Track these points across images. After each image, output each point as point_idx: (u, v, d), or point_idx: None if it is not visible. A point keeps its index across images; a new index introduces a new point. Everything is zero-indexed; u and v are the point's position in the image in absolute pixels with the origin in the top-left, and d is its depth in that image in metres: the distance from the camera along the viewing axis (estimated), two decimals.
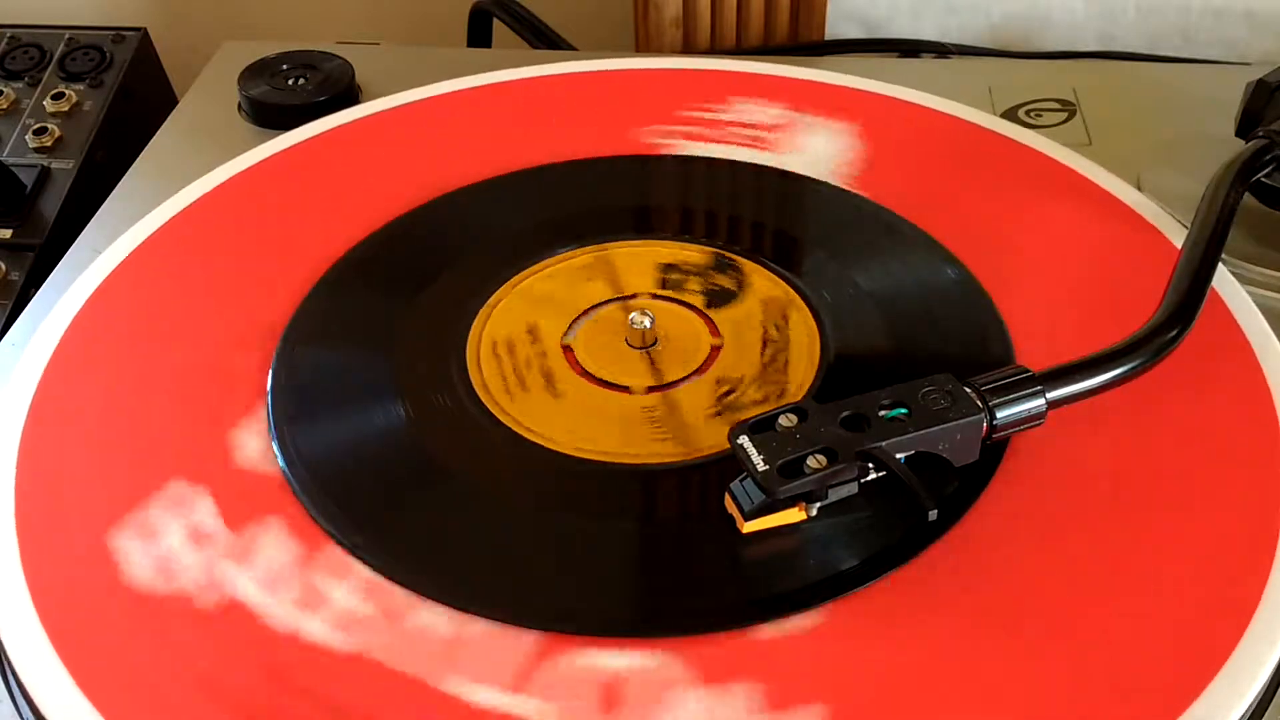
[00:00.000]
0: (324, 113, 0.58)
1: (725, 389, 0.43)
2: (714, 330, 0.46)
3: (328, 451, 0.41)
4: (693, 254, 0.49)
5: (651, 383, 0.44)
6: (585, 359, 0.45)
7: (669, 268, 0.48)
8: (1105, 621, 0.35)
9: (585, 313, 0.47)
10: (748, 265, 0.48)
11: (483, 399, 0.43)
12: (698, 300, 0.47)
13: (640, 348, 0.45)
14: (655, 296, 0.47)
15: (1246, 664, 0.34)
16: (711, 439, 0.41)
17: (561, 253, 0.49)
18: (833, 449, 0.36)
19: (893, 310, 0.46)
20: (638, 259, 0.49)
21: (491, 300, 0.47)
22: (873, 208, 0.51)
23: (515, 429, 0.42)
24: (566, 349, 0.45)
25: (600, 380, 0.44)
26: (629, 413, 0.43)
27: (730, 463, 0.37)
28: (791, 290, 0.47)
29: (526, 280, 0.48)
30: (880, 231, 0.50)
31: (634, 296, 0.47)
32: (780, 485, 0.36)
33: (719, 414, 0.42)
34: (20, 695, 0.36)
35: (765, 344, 0.45)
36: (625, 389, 0.44)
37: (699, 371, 0.44)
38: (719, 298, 0.47)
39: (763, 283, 0.48)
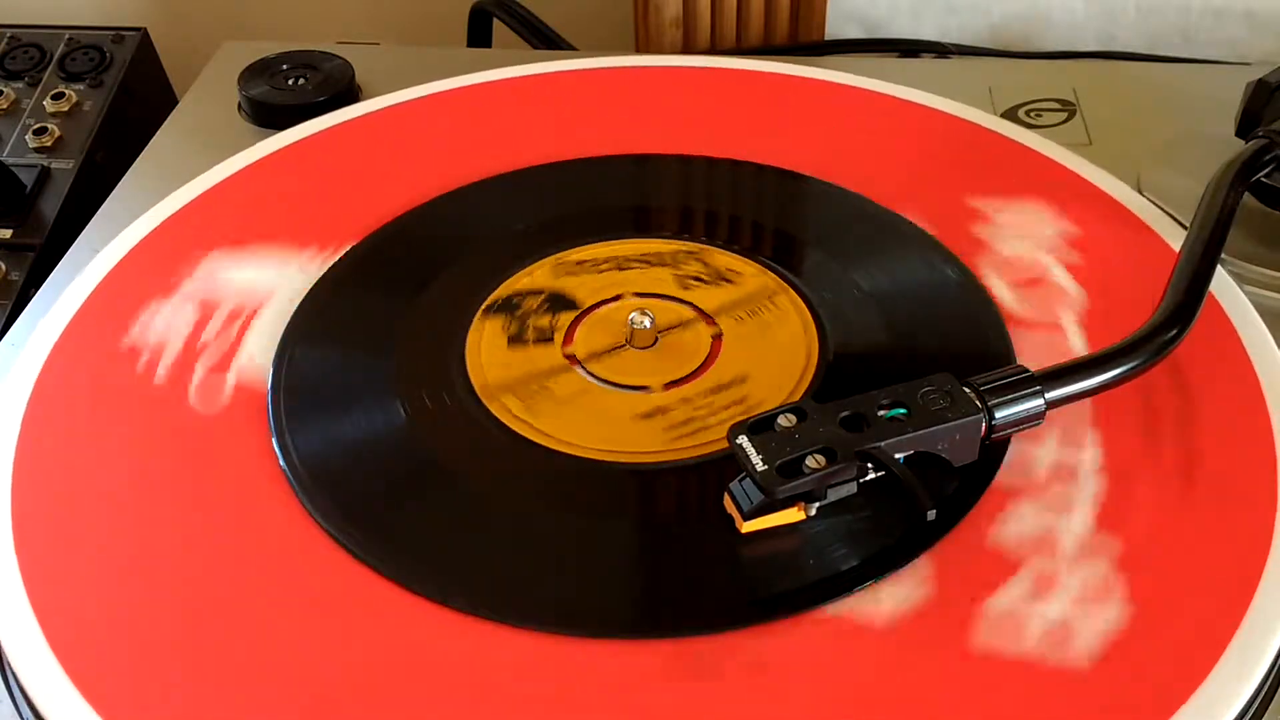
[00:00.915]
0: (324, 112, 0.58)
1: (732, 378, 0.43)
2: (710, 322, 0.46)
3: (328, 451, 0.41)
4: (664, 247, 0.49)
5: (664, 380, 0.44)
6: (593, 365, 0.44)
7: (652, 263, 0.48)
8: (1103, 622, 0.35)
9: (583, 315, 0.46)
10: (727, 257, 0.49)
11: (486, 402, 0.43)
12: (689, 296, 0.47)
13: (642, 348, 0.45)
14: (645, 295, 0.47)
15: (1244, 662, 0.34)
16: (710, 436, 0.41)
17: (560, 251, 0.49)
18: (832, 449, 0.36)
19: (893, 310, 0.46)
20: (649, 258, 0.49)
21: (502, 288, 0.47)
22: (873, 208, 0.51)
23: (515, 428, 0.42)
24: (567, 344, 0.45)
25: (610, 382, 0.44)
26: (643, 412, 0.42)
27: (730, 462, 0.37)
28: (779, 278, 0.47)
29: (538, 271, 0.48)
30: (880, 231, 0.50)
31: (618, 298, 0.47)
32: (779, 485, 0.36)
33: (728, 407, 0.42)
34: (20, 695, 0.36)
35: (705, 278, 0.46)
36: (645, 389, 0.43)
37: (704, 367, 0.44)
38: (710, 293, 0.47)
39: (752, 273, 0.48)
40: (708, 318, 0.46)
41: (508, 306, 0.47)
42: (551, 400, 0.43)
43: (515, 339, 0.45)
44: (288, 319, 0.46)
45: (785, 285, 0.47)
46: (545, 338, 0.45)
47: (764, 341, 0.45)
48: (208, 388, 0.44)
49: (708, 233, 0.50)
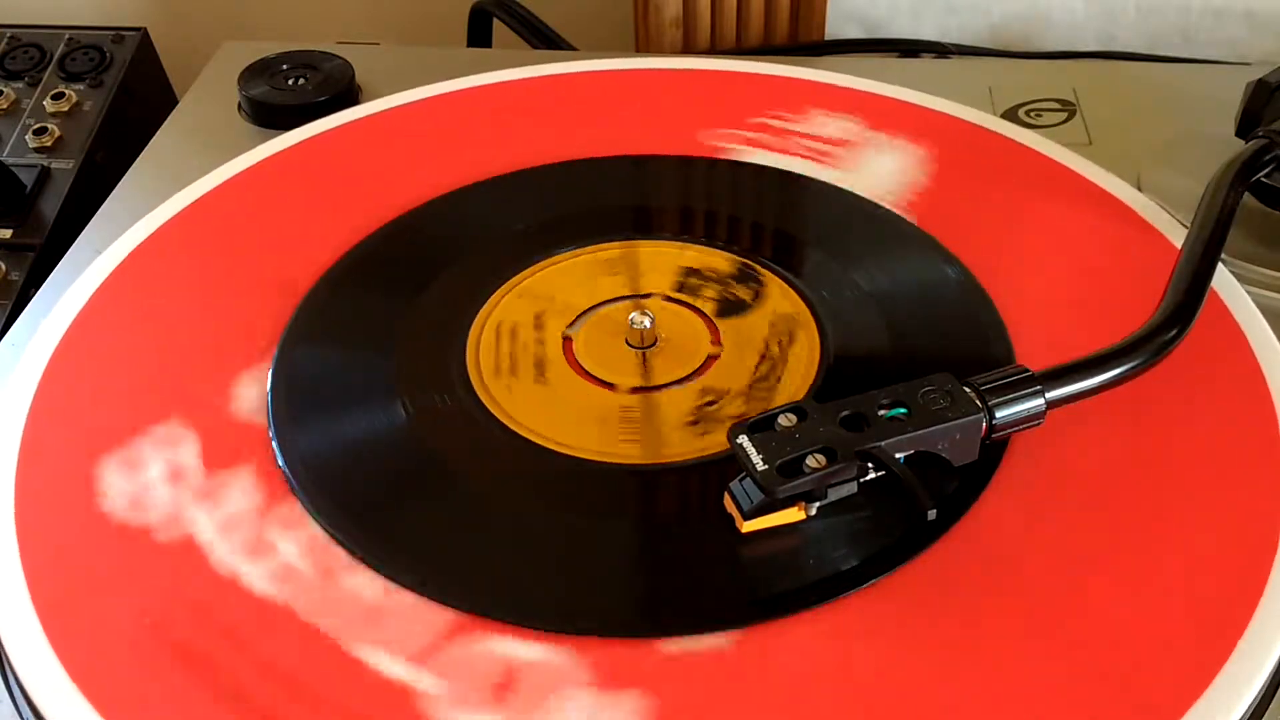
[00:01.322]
0: (324, 113, 0.58)
1: (708, 399, 0.43)
2: (716, 339, 0.46)
3: (328, 451, 0.41)
4: (718, 261, 0.49)
5: (638, 383, 0.44)
6: (581, 352, 0.45)
7: (690, 272, 0.48)
8: (1105, 622, 0.35)
9: (595, 307, 0.47)
10: (768, 277, 0.48)
11: (476, 389, 0.43)
12: (709, 307, 0.47)
13: (638, 348, 0.45)
14: (668, 299, 0.47)
15: (1247, 663, 0.34)
16: (680, 447, 0.41)
17: (568, 250, 0.49)
18: (832, 448, 0.36)
19: (893, 310, 0.46)
20: (660, 259, 0.49)
21: (507, 285, 0.47)
22: (873, 208, 0.51)
23: (515, 428, 0.42)
24: (566, 340, 0.45)
25: (589, 375, 0.44)
26: (607, 410, 0.43)
27: (730, 462, 0.37)
28: (804, 306, 0.46)
29: (545, 270, 0.48)
30: (880, 231, 0.50)
31: (648, 296, 0.47)
32: (779, 485, 0.36)
33: (694, 423, 0.42)
34: (20, 695, 0.36)
35: (762, 359, 0.44)
36: (611, 386, 0.44)
37: (688, 378, 0.44)
38: (732, 307, 0.47)
39: (779, 297, 0.47)
40: (713, 326, 0.46)
41: (504, 313, 0.47)
42: (537, 389, 0.43)
43: (514, 341, 0.45)
44: (288, 319, 0.46)
45: (801, 302, 0.47)
46: (544, 341, 0.45)
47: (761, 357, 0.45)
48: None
49: (707, 233, 0.50)
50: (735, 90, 0.58)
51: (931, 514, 0.35)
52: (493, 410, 0.42)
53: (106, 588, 0.37)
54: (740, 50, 0.72)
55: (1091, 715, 0.33)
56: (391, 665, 0.35)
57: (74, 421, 0.42)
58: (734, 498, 0.37)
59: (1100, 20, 0.73)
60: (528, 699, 0.34)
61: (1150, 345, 0.40)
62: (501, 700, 0.34)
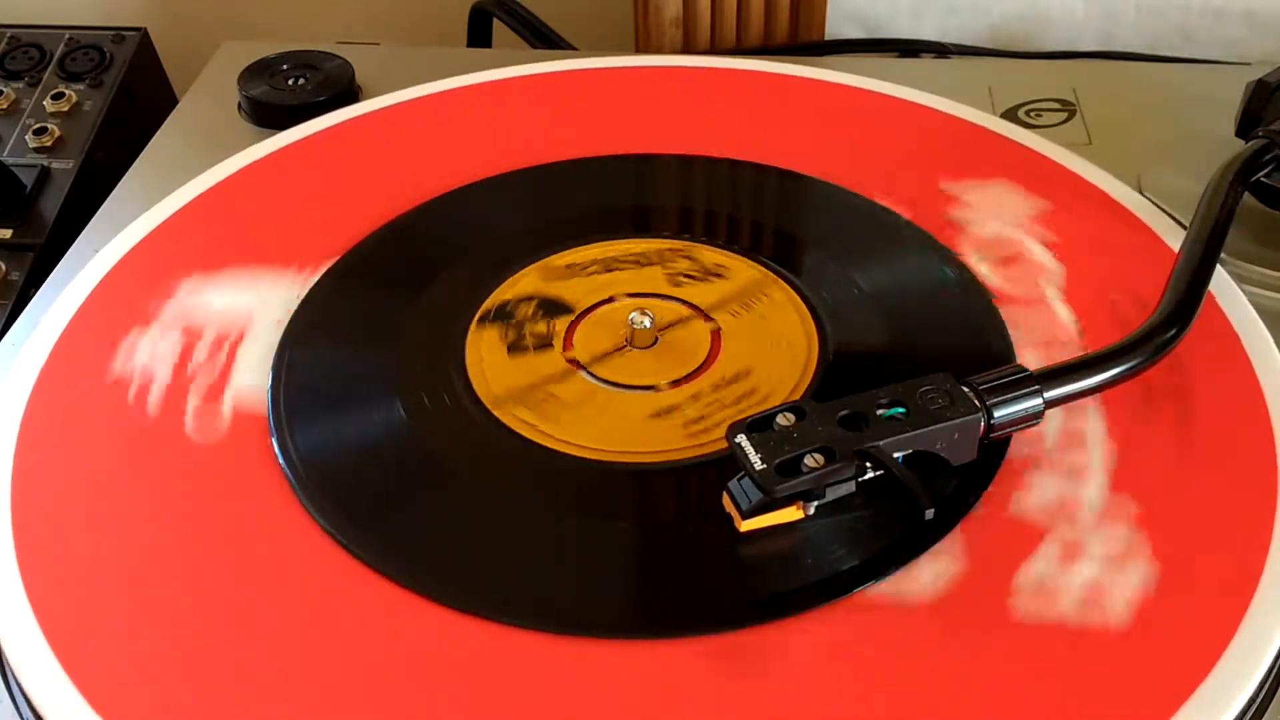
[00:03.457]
0: (324, 113, 0.58)
1: (736, 373, 0.44)
2: (706, 318, 0.46)
3: (328, 451, 0.41)
4: (655, 246, 0.49)
5: (669, 379, 0.44)
6: (597, 368, 0.44)
7: (641, 263, 0.49)
8: (1104, 622, 0.35)
9: (580, 318, 0.46)
10: (714, 253, 0.49)
11: (477, 389, 0.43)
12: (681, 293, 0.47)
13: (643, 347, 0.45)
14: (637, 295, 0.47)
15: (1242, 663, 0.34)
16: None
17: (547, 256, 0.49)
18: (830, 448, 0.36)
19: (892, 310, 0.46)
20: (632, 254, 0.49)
21: (483, 309, 0.47)
22: (873, 208, 0.51)
23: (515, 428, 0.42)
24: (572, 361, 0.45)
25: (617, 384, 0.44)
26: (656, 410, 0.42)
27: (730, 461, 0.37)
28: (767, 270, 0.47)
29: (515, 286, 0.48)
30: (880, 231, 0.50)
31: (611, 300, 0.47)
32: (778, 484, 0.36)
33: (738, 401, 0.43)
34: (20, 695, 0.36)
35: (695, 274, 0.46)
36: (652, 388, 0.43)
37: (708, 363, 0.44)
38: (701, 290, 0.47)
39: (741, 268, 0.48)
40: (704, 314, 0.46)
41: (502, 315, 0.46)
42: (560, 406, 0.43)
43: (515, 346, 0.45)
44: (288, 319, 0.46)
45: (775, 277, 0.47)
46: (545, 344, 0.45)
47: (763, 334, 0.45)
48: (205, 412, 0.44)
49: (707, 232, 0.50)
50: (735, 90, 0.58)
51: (930, 513, 0.35)
52: (493, 409, 0.42)
53: (106, 587, 0.37)
54: (740, 50, 0.72)
55: (1090, 715, 0.33)
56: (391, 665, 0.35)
57: (73, 421, 0.42)
58: (732, 497, 0.37)
59: (1100, 20, 0.73)
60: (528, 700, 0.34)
61: (1149, 345, 0.40)
62: (501, 700, 0.34)
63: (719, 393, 0.43)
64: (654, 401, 0.43)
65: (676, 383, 0.44)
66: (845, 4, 0.74)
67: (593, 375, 0.44)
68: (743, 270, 0.48)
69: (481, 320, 0.46)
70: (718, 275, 0.48)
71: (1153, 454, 0.40)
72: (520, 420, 0.42)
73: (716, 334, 0.45)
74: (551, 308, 0.47)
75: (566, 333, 0.46)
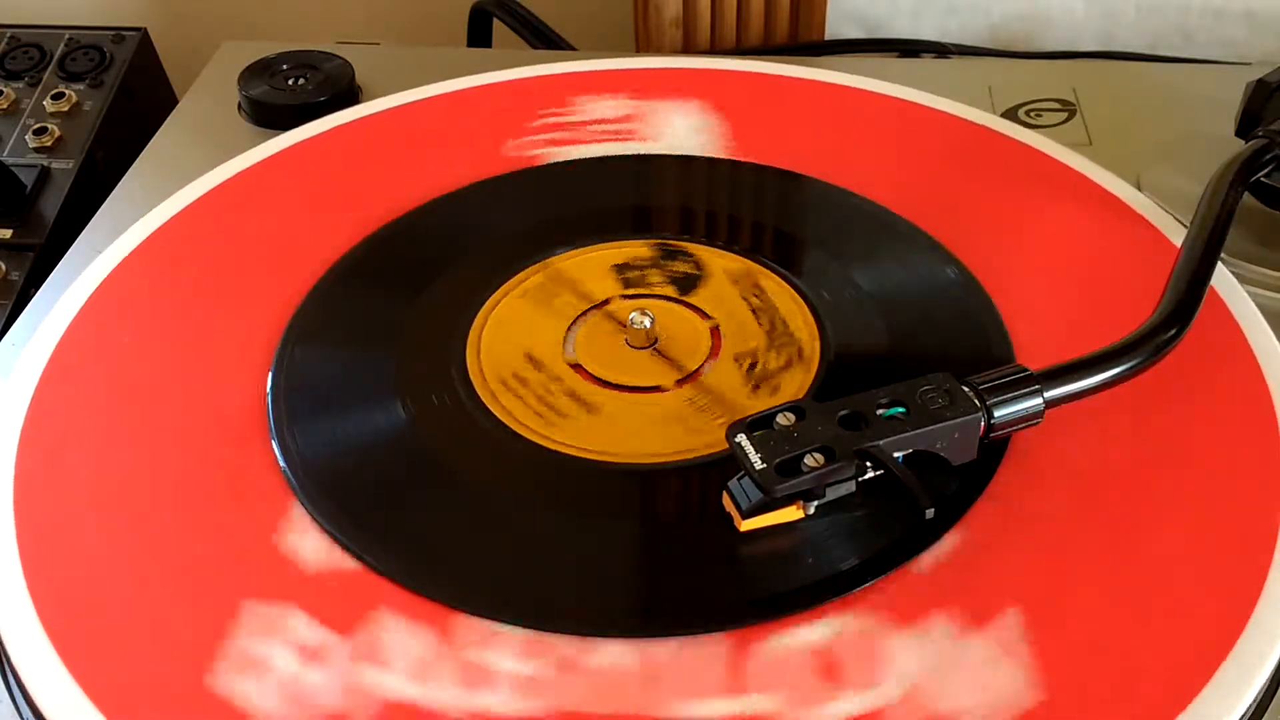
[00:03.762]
0: (324, 113, 0.58)
1: (748, 362, 0.44)
2: (702, 314, 0.46)
3: (328, 451, 0.41)
4: (639, 249, 0.49)
5: (678, 376, 0.44)
6: (600, 371, 0.44)
7: (621, 267, 0.48)
8: (1104, 622, 0.35)
9: (570, 327, 0.46)
10: (695, 249, 0.49)
11: (477, 388, 0.43)
12: (668, 290, 0.47)
13: (644, 347, 0.45)
14: (624, 297, 0.47)
15: (1246, 664, 0.34)
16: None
17: (558, 254, 0.49)
18: (830, 447, 0.36)
19: (893, 310, 0.46)
20: (588, 265, 0.49)
21: (477, 323, 0.46)
22: (873, 208, 0.51)
23: (515, 429, 0.42)
24: (576, 366, 0.45)
25: (623, 386, 0.44)
26: (674, 409, 0.43)
27: (730, 461, 0.37)
28: (805, 306, 0.46)
29: (498, 307, 0.47)
30: (880, 231, 0.50)
31: (606, 302, 0.47)
32: (778, 484, 0.36)
33: (756, 386, 0.43)
34: (20, 695, 0.36)
35: (756, 313, 0.46)
36: (657, 389, 0.44)
37: (713, 355, 0.44)
38: (685, 284, 0.47)
39: (718, 261, 0.48)
40: (702, 312, 0.46)
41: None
42: (593, 418, 0.42)
43: (519, 369, 0.45)
44: (288, 319, 0.46)
45: (741, 259, 0.48)
46: (548, 361, 0.45)
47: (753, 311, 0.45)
48: (205, 413, 0.44)
49: (707, 233, 0.50)
50: (735, 89, 0.58)
51: (930, 513, 0.35)
52: (493, 409, 0.42)
53: (107, 586, 0.37)
54: (740, 50, 0.72)
55: (1090, 715, 0.33)
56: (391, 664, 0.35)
57: (73, 421, 0.42)
58: (732, 496, 0.37)
59: (1100, 20, 0.73)
60: (527, 700, 0.34)
61: (1149, 345, 0.40)
62: (501, 700, 0.34)
63: (740, 373, 0.43)
64: (683, 395, 0.43)
65: (681, 381, 0.44)
66: (845, 4, 0.74)
67: (596, 379, 0.44)
68: (719, 263, 0.48)
69: (484, 316, 0.46)
70: (694, 269, 0.48)
71: (1154, 454, 0.40)
72: (570, 443, 0.42)
73: (715, 331, 0.45)
74: (537, 327, 0.46)
75: (565, 335, 0.46)
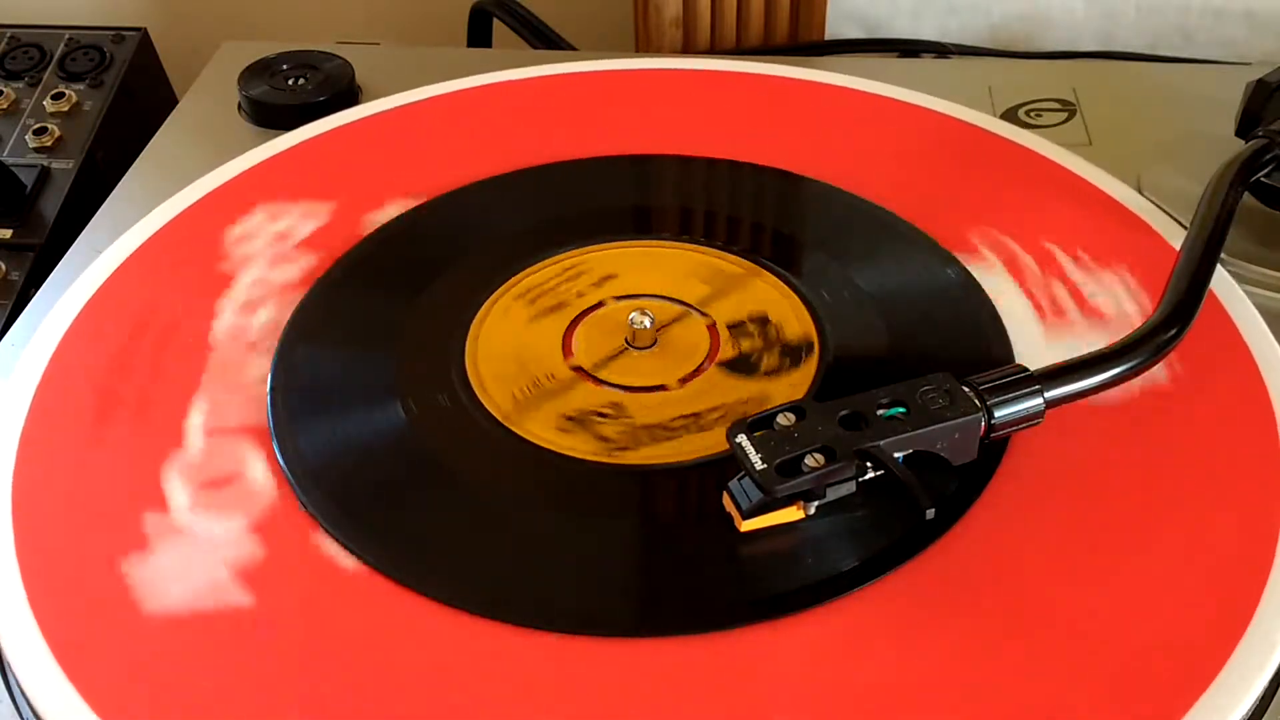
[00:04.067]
0: (324, 113, 0.58)
1: (748, 362, 0.44)
2: (701, 314, 0.46)
3: (328, 451, 0.41)
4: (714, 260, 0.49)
5: (678, 376, 0.44)
6: (600, 371, 0.44)
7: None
8: (1104, 622, 0.35)
9: (570, 327, 0.46)
10: (717, 254, 0.49)
11: (476, 389, 0.43)
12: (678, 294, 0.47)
13: (644, 347, 0.45)
14: (620, 298, 0.47)
15: (1247, 664, 0.34)
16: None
17: (554, 255, 0.49)
18: (830, 448, 0.36)
19: (892, 310, 0.46)
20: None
21: (476, 323, 0.46)
22: (872, 208, 0.51)
23: (514, 429, 0.42)
24: (575, 367, 0.45)
25: (628, 387, 0.44)
26: (686, 402, 0.43)
27: (730, 461, 0.37)
28: (804, 306, 0.46)
29: (497, 307, 0.47)
30: (880, 231, 0.50)
31: (601, 305, 0.47)
32: (778, 484, 0.36)
33: (773, 370, 0.43)
34: (20, 695, 0.36)
35: (755, 313, 0.46)
36: (662, 388, 0.44)
37: (713, 354, 0.44)
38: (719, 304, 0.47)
39: (718, 261, 0.49)
40: (700, 310, 0.46)
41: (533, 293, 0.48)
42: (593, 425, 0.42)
43: (528, 378, 0.44)
44: (288, 319, 0.46)
45: (761, 268, 0.48)
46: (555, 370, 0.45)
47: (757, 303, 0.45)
48: (204, 413, 0.44)
49: (707, 233, 0.50)
50: (735, 90, 0.58)
51: (930, 513, 0.35)
52: (492, 410, 0.42)
53: (106, 588, 0.37)
54: (740, 50, 0.72)
55: (1091, 716, 0.33)
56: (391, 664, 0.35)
57: (73, 421, 0.42)
58: (733, 497, 0.37)
59: (1100, 20, 0.73)
60: (527, 700, 0.34)
61: (1149, 345, 0.40)
62: (501, 700, 0.34)
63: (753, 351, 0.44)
64: (688, 391, 0.43)
65: (685, 379, 0.44)
66: (845, 4, 0.74)
67: (601, 380, 0.44)
68: (742, 270, 0.48)
69: (483, 315, 0.46)
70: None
71: (1153, 453, 0.40)
72: (541, 436, 0.42)
73: (713, 329, 0.45)
74: (539, 334, 0.46)
75: (564, 337, 0.46)
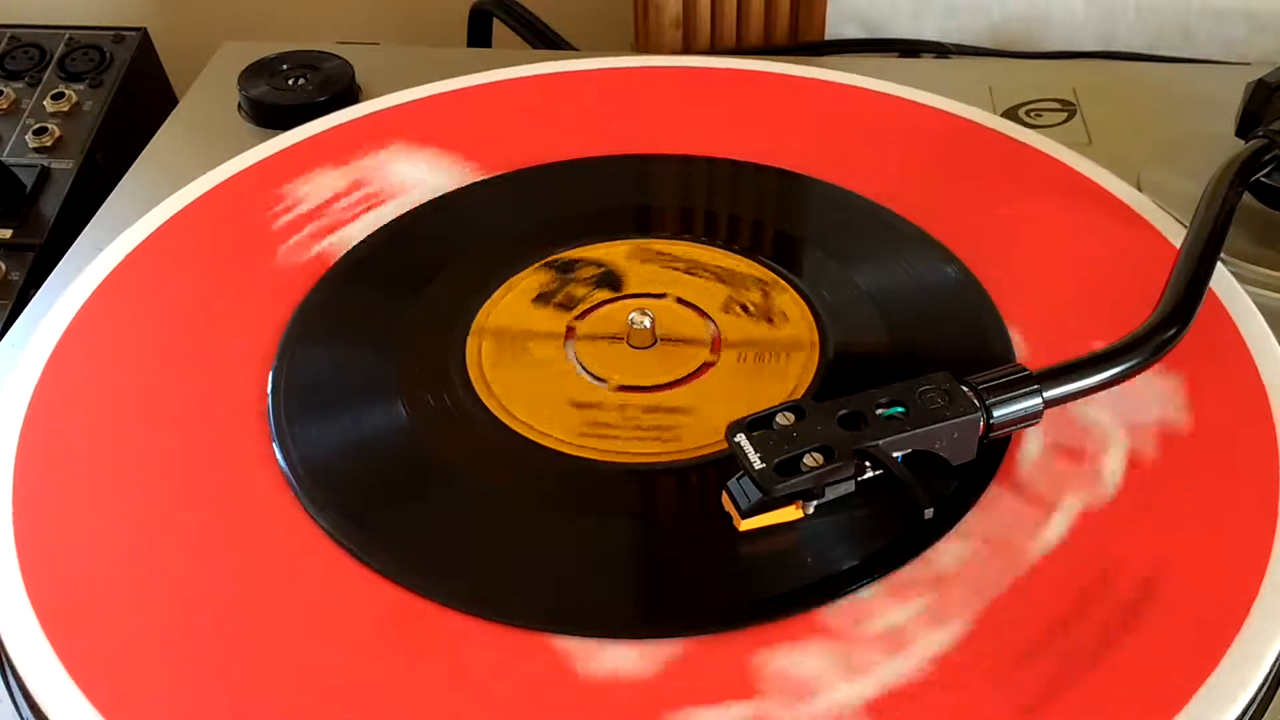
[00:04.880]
0: (324, 113, 0.58)
1: (748, 363, 0.44)
2: (702, 314, 0.46)
3: (328, 451, 0.41)
4: (739, 266, 0.49)
5: (678, 376, 0.44)
6: (601, 371, 0.44)
7: (721, 277, 0.48)
8: (1104, 622, 0.35)
9: (570, 330, 0.46)
10: (790, 299, 0.47)
11: (477, 388, 0.43)
12: (720, 318, 0.47)
13: (645, 347, 0.45)
14: (625, 297, 0.47)
15: (1244, 663, 0.34)
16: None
17: (554, 255, 0.49)
18: (829, 447, 0.36)
19: (892, 310, 0.46)
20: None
21: (476, 323, 0.46)
22: (873, 208, 0.51)
23: (514, 428, 0.42)
24: (570, 330, 0.45)
25: (627, 387, 0.44)
26: (582, 401, 0.43)
27: (730, 462, 0.37)
28: (804, 306, 0.46)
29: (498, 307, 0.47)
30: (880, 231, 0.50)
31: (606, 302, 0.47)
32: (777, 483, 0.36)
33: (649, 429, 0.42)
34: (20, 695, 0.36)
35: (755, 313, 0.46)
36: (602, 381, 0.44)
37: (713, 355, 0.44)
38: (742, 325, 0.47)
39: (717, 260, 0.48)
40: (705, 314, 0.46)
41: (563, 266, 0.48)
42: (520, 364, 0.43)
43: (545, 298, 0.46)
44: (288, 319, 0.46)
45: (761, 268, 0.48)
46: (568, 305, 0.46)
47: (745, 390, 0.43)
48: (203, 413, 0.44)
49: (707, 232, 0.50)
50: (735, 90, 0.58)
51: (929, 513, 0.35)
52: (493, 410, 0.42)
53: (107, 586, 0.37)
54: (740, 50, 0.72)
55: (1089, 716, 0.33)
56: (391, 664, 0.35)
57: (73, 421, 0.42)
58: (732, 496, 0.37)
59: (1100, 20, 0.73)
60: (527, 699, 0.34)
61: (1149, 344, 0.40)
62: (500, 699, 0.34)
63: (643, 415, 0.42)
64: (594, 393, 0.43)
65: (625, 389, 0.43)
66: (845, 4, 0.74)
67: (598, 378, 0.44)
68: (797, 322, 0.46)
69: (539, 267, 0.47)
70: (771, 321, 0.46)
71: (1154, 452, 0.40)
72: (518, 419, 0.42)
73: (715, 331, 0.45)
74: (606, 279, 0.47)
75: (590, 308, 0.46)
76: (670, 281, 0.48)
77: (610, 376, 0.44)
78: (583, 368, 0.44)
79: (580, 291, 0.47)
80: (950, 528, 0.38)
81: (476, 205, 0.52)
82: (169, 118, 0.62)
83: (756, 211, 0.52)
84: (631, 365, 0.44)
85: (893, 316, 0.46)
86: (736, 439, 0.37)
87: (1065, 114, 0.60)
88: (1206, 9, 0.71)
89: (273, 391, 0.43)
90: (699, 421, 0.42)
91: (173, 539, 0.38)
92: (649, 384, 0.43)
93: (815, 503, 0.37)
